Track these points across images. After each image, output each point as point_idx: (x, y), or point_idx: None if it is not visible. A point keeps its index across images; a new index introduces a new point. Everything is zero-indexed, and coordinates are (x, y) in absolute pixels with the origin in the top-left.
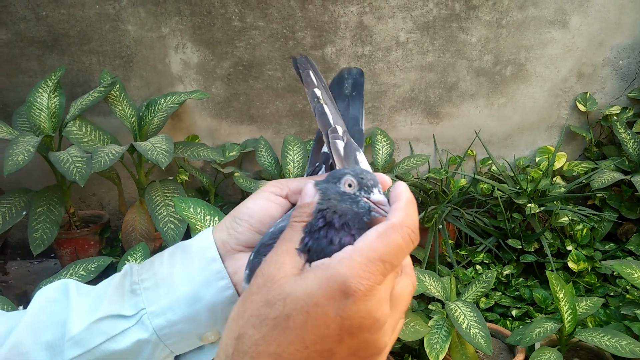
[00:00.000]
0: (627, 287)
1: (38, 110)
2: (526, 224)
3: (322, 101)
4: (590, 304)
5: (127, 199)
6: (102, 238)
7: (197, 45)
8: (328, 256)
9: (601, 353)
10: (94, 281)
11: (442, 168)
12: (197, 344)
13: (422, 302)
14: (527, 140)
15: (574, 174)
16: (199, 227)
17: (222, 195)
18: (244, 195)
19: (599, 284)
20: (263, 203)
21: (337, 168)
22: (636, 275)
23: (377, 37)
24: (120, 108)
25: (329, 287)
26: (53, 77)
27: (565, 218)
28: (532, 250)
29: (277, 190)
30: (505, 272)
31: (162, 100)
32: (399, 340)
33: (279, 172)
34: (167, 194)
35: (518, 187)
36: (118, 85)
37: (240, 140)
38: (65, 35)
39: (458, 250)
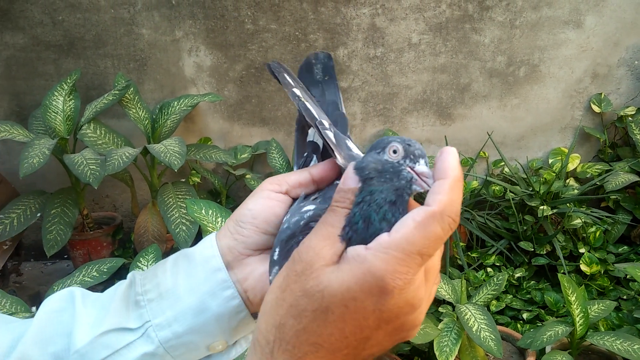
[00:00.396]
0: None
1: (54, 114)
2: (538, 227)
3: (303, 99)
4: (602, 307)
5: (140, 200)
6: (114, 239)
7: (210, 48)
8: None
9: (613, 357)
10: (106, 283)
11: None
12: (205, 354)
13: (432, 304)
14: (541, 142)
15: (588, 176)
16: (210, 229)
17: (234, 197)
18: None
19: (611, 287)
20: (264, 202)
21: (336, 155)
22: None
23: (389, 39)
24: (134, 111)
25: (366, 282)
26: (68, 80)
27: (578, 220)
28: (544, 252)
29: (276, 187)
30: (517, 275)
31: (175, 103)
32: (408, 342)
33: None
34: (179, 196)
35: (530, 189)
36: (132, 89)
37: (252, 143)
38: (80, 39)
39: (469, 253)
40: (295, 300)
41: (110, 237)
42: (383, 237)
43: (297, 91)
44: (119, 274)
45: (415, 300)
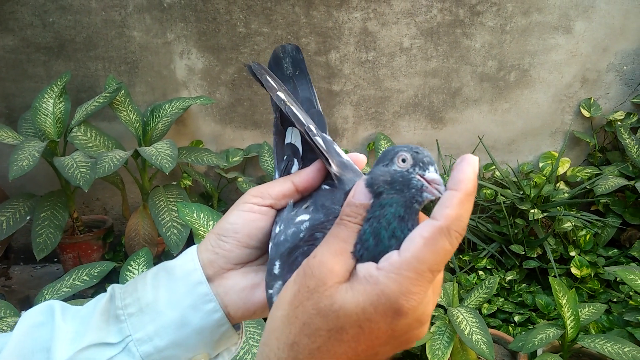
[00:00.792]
0: (630, 293)
1: (43, 116)
2: (529, 230)
3: (288, 103)
4: (593, 310)
5: (131, 204)
6: (105, 243)
7: (202, 51)
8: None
9: (603, 359)
10: (96, 286)
11: (445, 173)
12: None
13: None
14: (531, 146)
15: (578, 180)
16: (201, 232)
17: (226, 200)
18: None
19: (602, 290)
20: (247, 216)
21: (329, 161)
22: (639, 282)
23: (381, 43)
24: (125, 113)
25: (381, 304)
26: (59, 82)
27: (569, 224)
28: (535, 256)
29: (259, 200)
30: (508, 278)
31: (167, 105)
32: None
33: None
34: (171, 199)
35: (521, 192)
36: (123, 91)
37: (244, 146)
38: (71, 42)
39: (461, 256)
40: (309, 318)
41: (101, 240)
42: (393, 257)
43: (282, 95)
44: (110, 277)
45: (424, 317)
